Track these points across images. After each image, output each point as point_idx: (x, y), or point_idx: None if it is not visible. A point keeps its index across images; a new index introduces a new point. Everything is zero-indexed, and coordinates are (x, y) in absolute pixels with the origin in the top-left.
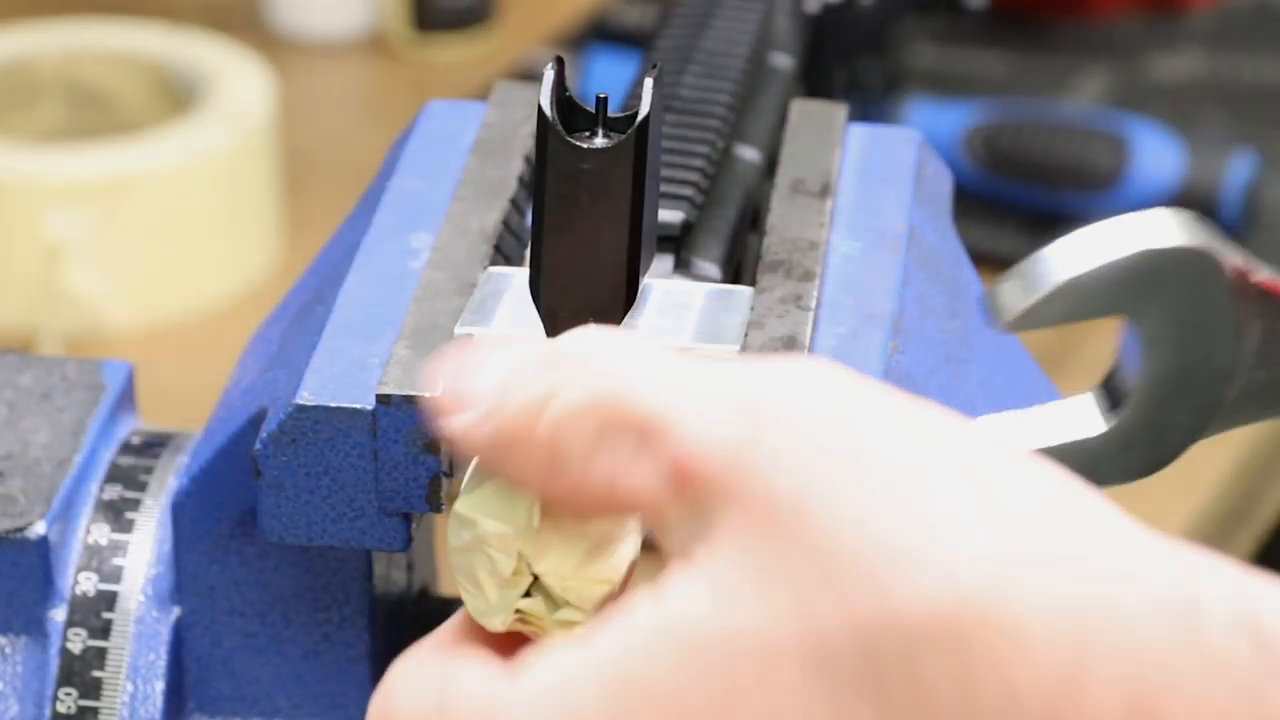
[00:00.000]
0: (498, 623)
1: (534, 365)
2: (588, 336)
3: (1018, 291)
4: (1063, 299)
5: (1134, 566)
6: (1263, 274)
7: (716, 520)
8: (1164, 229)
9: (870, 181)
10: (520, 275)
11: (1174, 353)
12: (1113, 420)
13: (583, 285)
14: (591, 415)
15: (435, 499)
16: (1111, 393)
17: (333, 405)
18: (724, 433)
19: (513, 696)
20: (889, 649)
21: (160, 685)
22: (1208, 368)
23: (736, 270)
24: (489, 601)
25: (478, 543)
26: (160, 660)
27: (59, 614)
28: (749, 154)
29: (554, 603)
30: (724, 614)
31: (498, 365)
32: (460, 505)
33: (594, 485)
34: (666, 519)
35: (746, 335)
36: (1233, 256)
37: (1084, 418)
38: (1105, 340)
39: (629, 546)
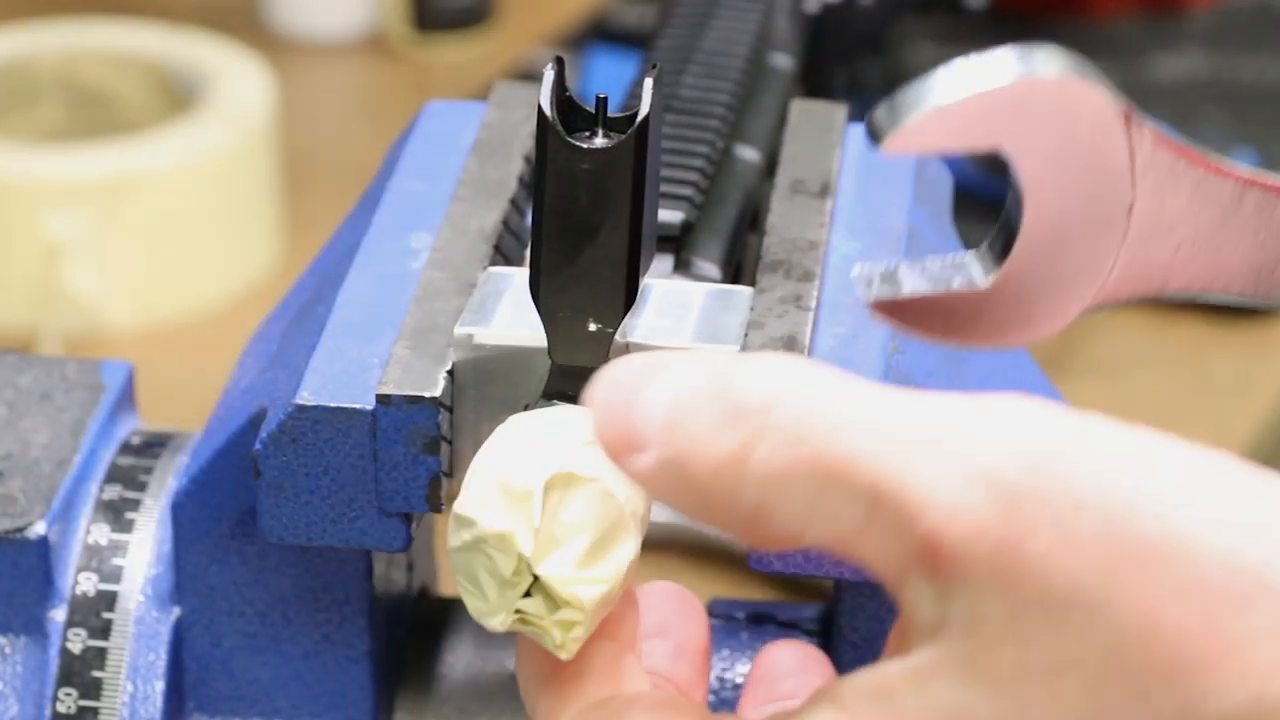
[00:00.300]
0: (497, 623)
1: (712, 408)
2: (768, 373)
3: (896, 114)
4: (940, 123)
5: None
6: (1151, 126)
7: (981, 609)
8: (1048, 61)
9: (870, 181)
10: (520, 275)
11: (1058, 195)
12: (997, 271)
13: (582, 285)
14: (806, 479)
15: (435, 499)
16: (999, 244)
17: (332, 405)
18: (976, 510)
19: None
20: None
21: (160, 685)
22: (1094, 215)
23: (736, 270)
24: (489, 601)
25: (477, 542)
26: (160, 660)
27: (59, 614)
28: (749, 154)
29: (554, 603)
30: (1011, 716)
31: (662, 391)
32: (460, 505)
33: (813, 543)
34: (908, 587)
35: (746, 335)
36: (1120, 101)
37: (971, 269)
38: (1107, 340)
39: (630, 547)
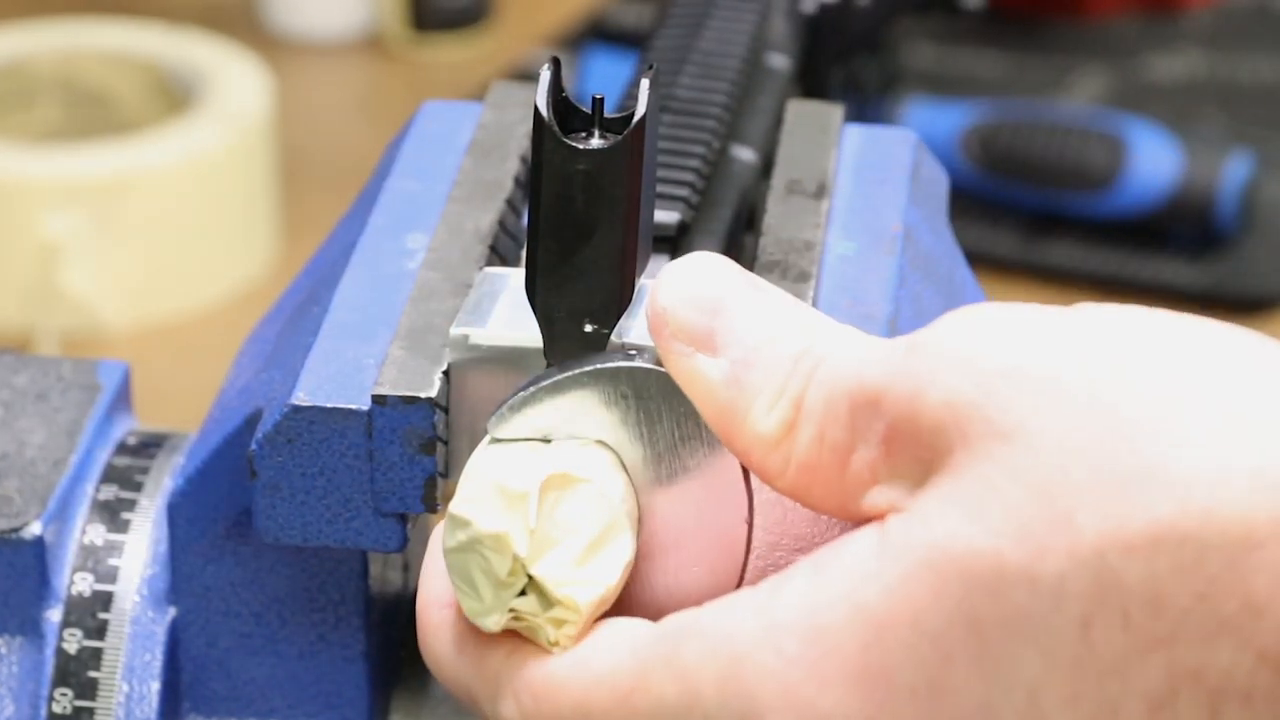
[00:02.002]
0: (492, 623)
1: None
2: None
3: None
4: (531, 420)
5: None
6: None
7: (935, 467)
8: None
9: (866, 182)
10: (516, 276)
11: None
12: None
13: (579, 286)
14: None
15: (431, 499)
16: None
17: (328, 406)
18: (941, 383)
19: (757, 629)
20: (1125, 568)
21: (156, 686)
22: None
23: None
24: (483, 602)
25: (473, 543)
26: (156, 661)
27: (55, 614)
28: (745, 154)
29: (548, 601)
30: (962, 533)
31: (762, 318)
32: (455, 505)
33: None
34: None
35: None
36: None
37: None
38: None
39: (625, 548)
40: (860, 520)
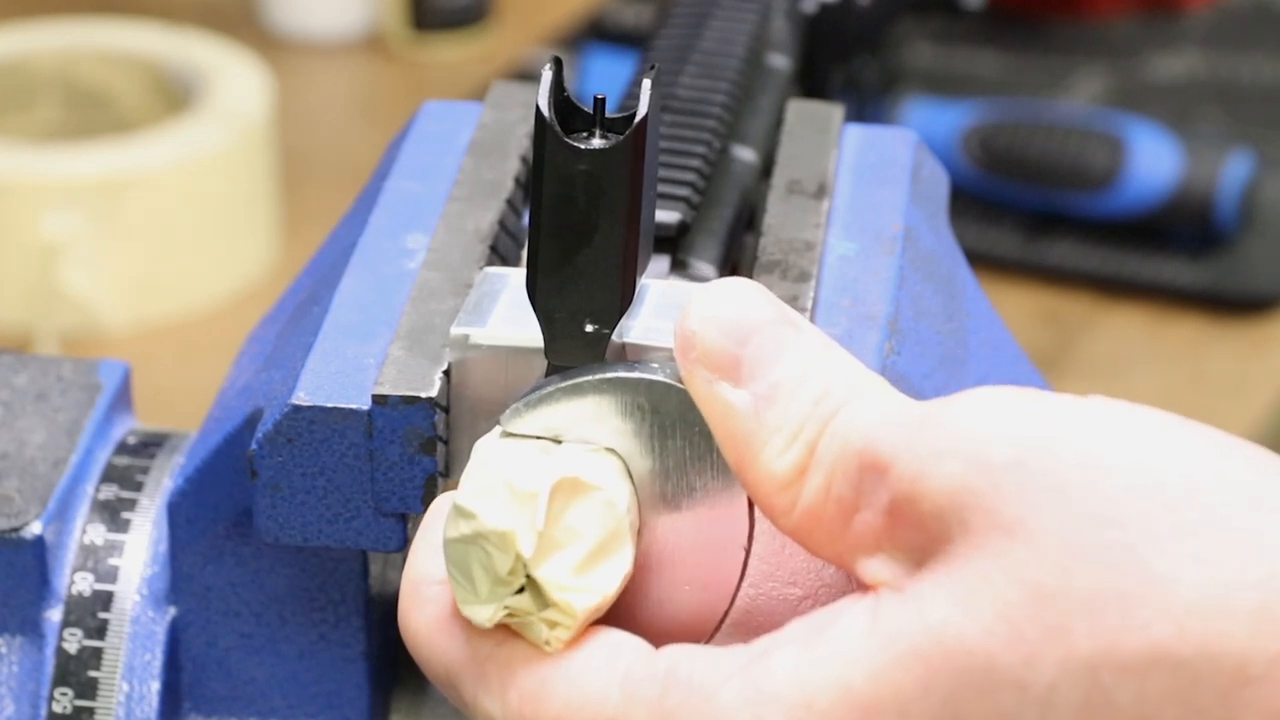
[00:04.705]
0: (483, 616)
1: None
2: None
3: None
4: (545, 418)
5: None
6: None
7: (933, 552)
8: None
9: (866, 182)
10: (516, 276)
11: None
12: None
13: (579, 286)
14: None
15: (430, 499)
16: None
17: (328, 406)
18: (945, 469)
19: (742, 695)
20: (1117, 686)
21: (156, 685)
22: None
23: (733, 271)
24: (478, 596)
25: (476, 537)
26: (156, 660)
27: (55, 614)
28: (746, 154)
29: (543, 601)
30: (976, 624)
31: (791, 355)
32: (462, 497)
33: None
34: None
35: None
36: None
37: None
38: (1104, 340)
39: (625, 559)
40: (855, 577)
